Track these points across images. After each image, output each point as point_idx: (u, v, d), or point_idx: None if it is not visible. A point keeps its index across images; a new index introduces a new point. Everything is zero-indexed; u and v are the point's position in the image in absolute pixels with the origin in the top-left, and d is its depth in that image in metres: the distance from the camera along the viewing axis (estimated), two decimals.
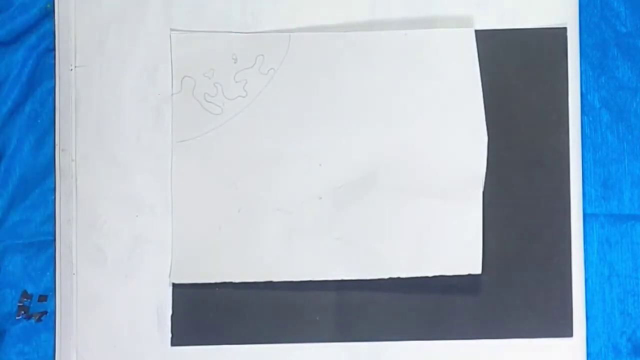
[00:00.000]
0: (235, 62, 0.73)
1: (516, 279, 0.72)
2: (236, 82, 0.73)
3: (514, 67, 0.73)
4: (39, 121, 0.74)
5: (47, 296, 0.73)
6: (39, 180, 0.74)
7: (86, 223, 0.69)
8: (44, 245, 0.73)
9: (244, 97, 0.73)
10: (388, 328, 0.72)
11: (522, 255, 0.72)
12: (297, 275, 0.72)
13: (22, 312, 0.73)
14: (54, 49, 0.74)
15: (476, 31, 0.72)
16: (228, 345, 0.72)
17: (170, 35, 0.73)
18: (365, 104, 0.72)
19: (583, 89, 0.73)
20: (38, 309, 0.73)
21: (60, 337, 0.72)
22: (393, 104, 0.72)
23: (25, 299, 0.73)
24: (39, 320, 0.73)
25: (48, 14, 0.74)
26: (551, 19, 0.73)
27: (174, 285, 0.72)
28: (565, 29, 0.73)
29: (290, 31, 0.73)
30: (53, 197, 0.73)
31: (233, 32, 0.73)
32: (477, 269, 0.71)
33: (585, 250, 0.73)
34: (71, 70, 0.74)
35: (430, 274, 0.71)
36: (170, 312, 0.72)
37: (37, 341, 0.73)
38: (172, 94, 0.73)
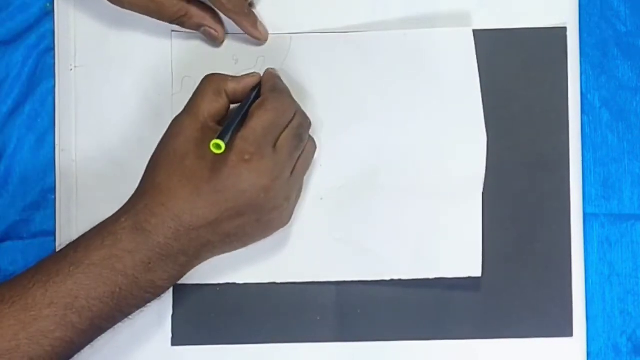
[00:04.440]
0: (236, 63, 0.73)
1: (516, 279, 0.72)
2: None
3: (514, 67, 0.73)
4: (39, 121, 0.74)
5: None
6: (39, 180, 0.74)
7: (86, 223, 0.68)
8: (44, 245, 0.73)
9: None
10: (388, 328, 0.72)
11: (522, 255, 0.72)
12: (298, 276, 0.72)
13: None
14: (54, 49, 0.74)
15: (476, 31, 0.72)
16: (228, 345, 0.72)
17: (171, 36, 0.73)
18: (365, 104, 0.72)
19: (583, 89, 0.73)
20: None
21: None
22: (393, 104, 0.72)
23: None
24: None
25: (48, 13, 0.74)
26: (551, 19, 0.73)
27: (174, 285, 0.72)
28: (565, 28, 0.73)
29: (291, 32, 0.73)
30: (53, 197, 0.73)
31: (234, 33, 0.73)
32: (477, 272, 0.71)
33: (585, 250, 0.73)
34: (71, 70, 0.73)
35: (430, 276, 0.71)
36: (170, 312, 0.72)
37: None
38: (172, 94, 0.73)
